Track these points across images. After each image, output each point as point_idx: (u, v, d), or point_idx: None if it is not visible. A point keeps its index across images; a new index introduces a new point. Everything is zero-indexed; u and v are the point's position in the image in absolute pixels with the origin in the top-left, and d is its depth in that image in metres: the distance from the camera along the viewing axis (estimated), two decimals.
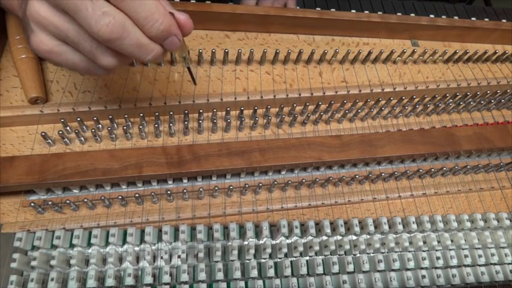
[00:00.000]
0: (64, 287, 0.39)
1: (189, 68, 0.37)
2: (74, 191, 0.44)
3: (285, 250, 0.41)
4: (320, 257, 0.43)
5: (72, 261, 0.39)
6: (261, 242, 0.43)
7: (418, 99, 0.53)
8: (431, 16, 0.59)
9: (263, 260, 0.42)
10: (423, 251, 0.45)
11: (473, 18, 0.61)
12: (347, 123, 0.52)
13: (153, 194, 0.43)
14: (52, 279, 0.38)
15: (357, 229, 0.43)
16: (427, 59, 0.58)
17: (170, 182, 0.46)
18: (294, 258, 0.43)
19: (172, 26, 0.31)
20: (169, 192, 0.42)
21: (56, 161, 0.40)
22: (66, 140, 0.45)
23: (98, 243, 0.40)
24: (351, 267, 0.42)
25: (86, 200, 0.42)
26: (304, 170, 0.48)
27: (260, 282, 0.40)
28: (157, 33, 0.30)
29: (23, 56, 0.46)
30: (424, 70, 0.58)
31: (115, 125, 0.46)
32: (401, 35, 0.60)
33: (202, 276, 0.39)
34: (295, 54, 0.54)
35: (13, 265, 0.38)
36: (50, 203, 0.41)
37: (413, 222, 0.45)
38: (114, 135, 0.46)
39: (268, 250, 0.41)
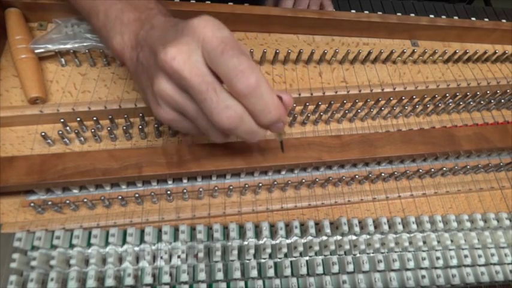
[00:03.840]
0: (64, 287, 0.39)
1: (281, 142, 0.40)
2: (74, 191, 0.44)
3: (284, 250, 0.41)
4: (320, 257, 0.43)
5: (72, 261, 0.39)
6: (260, 242, 0.43)
7: (417, 99, 0.53)
8: (431, 16, 0.59)
9: (263, 260, 0.42)
10: (423, 251, 0.45)
11: (473, 18, 0.61)
12: (347, 123, 0.52)
13: (153, 194, 0.43)
14: (52, 279, 0.38)
15: (357, 229, 0.43)
16: (426, 59, 0.58)
17: (170, 182, 0.46)
18: (294, 258, 0.43)
19: (282, 114, 0.32)
20: (169, 192, 0.42)
21: (55, 161, 0.40)
22: (66, 140, 0.45)
23: (97, 243, 0.40)
24: (350, 267, 0.42)
25: (85, 200, 0.42)
26: (304, 170, 0.48)
27: (260, 282, 0.40)
28: (268, 123, 0.32)
29: (23, 56, 0.46)
30: (423, 70, 0.58)
31: (115, 125, 0.46)
32: (401, 35, 0.60)
33: (202, 276, 0.39)
34: (295, 54, 0.54)
35: (13, 265, 0.38)
36: (49, 203, 0.41)
37: (413, 222, 0.45)
38: (114, 135, 0.46)
39: (268, 250, 0.41)
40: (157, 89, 0.32)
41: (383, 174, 0.47)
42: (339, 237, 0.44)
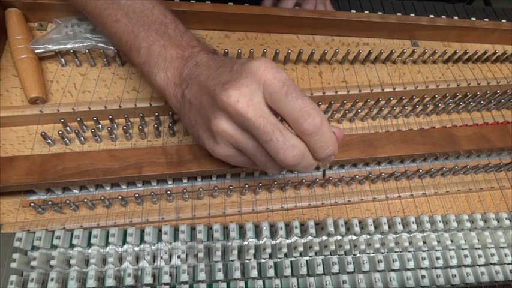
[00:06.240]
0: (64, 287, 0.39)
1: (324, 170, 0.41)
2: (74, 191, 0.44)
3: (284, 250, 0.41)
4: (320, 257, 0.43)
5: (72, 261, 0.39)
6: (260, 242, 0.43)
7: (417, 99, 0.53)
8: (431, 16, 0.59)
9: (263, 260, 0.42)
10: (423, 251, 0.45)
11: (473, 18, 0.61)
12: (347, 123, 0.52)
13: (153, 194, 0.43)
14: (52, 279, 0.38)
15: (357, 229, 0.43)
16: (426, 59, 0.58)
17: (170, 182, 0.46)
18: (294, 258, 0.43)
19: (336, 149, 0.34)
20: (169, 192, 0.42)
21: (55, 161, 0.40)
22: (66, 140, 0.45)
23: (97, 243, 0.40)
24: (350, 267, 0.42)
25: (85, 200, 0.42)
26: None
27: (260, 282, 0.40)
28: (325, 157, 0.34)
29: (23, 56, 0.46)
30: (423, 70, 0.58)
31: (115, 125, 0.46)
32: (401, 35, 0.60)
33: (202, 276, 0.39)
34: (295, 54, 0.54)
35: (13, 265, 0.38)
36: (49, 203, 0.41)
37: (413, 222, 0.45)
38: (114, 135, 0.46)
39: (268, 250, 0.41)
40: (216, 129, 0.33)
41: (383, 174, 0.47)
42: (339, 237, 0.44)
